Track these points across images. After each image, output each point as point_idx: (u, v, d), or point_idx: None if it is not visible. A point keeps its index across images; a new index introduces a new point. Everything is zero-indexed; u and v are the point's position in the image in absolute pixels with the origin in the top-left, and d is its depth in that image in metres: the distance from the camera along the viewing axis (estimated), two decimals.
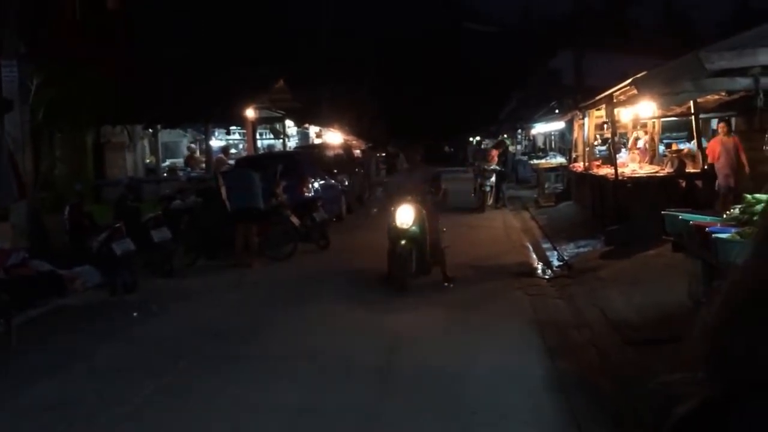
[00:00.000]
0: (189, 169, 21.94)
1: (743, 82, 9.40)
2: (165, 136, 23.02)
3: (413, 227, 9.80)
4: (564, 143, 25.90)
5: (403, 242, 9.79)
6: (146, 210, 12.76)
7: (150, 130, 21.06)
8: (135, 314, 9.21)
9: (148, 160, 22.67)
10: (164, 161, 23.20)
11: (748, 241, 0.68)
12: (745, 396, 0.58)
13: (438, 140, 68.58)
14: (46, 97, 13.23)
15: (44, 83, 13.04)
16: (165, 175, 20.95)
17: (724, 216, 6.85)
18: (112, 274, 10.42)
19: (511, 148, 38.59)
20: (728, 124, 13.33)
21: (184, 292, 10.74)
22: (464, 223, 17.72)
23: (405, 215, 9.83)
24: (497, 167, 21.39)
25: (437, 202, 10.36)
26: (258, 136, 25.04)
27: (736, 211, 6.65)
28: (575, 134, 19.44)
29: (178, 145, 25.89)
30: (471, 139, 47.93)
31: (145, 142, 22.49)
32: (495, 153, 21.89)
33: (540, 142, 35.12)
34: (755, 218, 6.01)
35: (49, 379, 6.74)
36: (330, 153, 23.29)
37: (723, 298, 0.65)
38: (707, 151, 12.64)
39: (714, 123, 16.40)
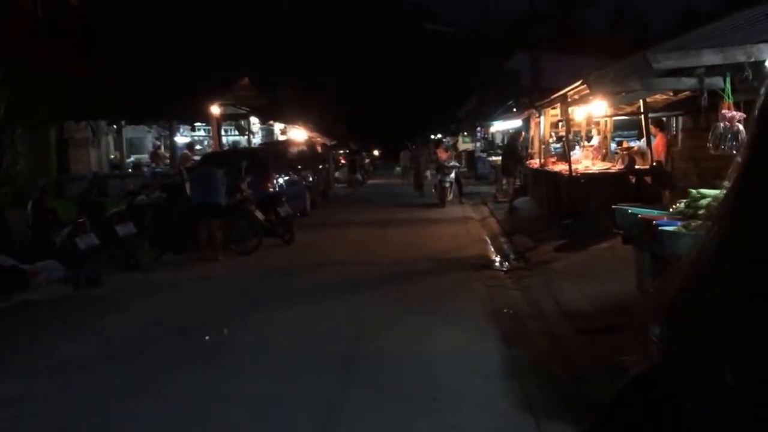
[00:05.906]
0: (154, 165, 21.89)
1: (688, 82, 9.71)
2: (129, 132, 22.96)
3: None
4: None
5: None
6: (111, 205, 12.80)
7: (114, 126, 21.03)
8: None
9: (112, 156, 22.61)
10: (129, 157, 23.17)
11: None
12: (700, 358, 0.58)
13: (400, 138, 68.88)
14: (6, 93, 13.18)
15: (4, 80, 12.99)
16: (130, 170, 20.95)
17: (671, 210, 7.02)
18: (75, 268, 10.41)
19: (470, 146, 39.10)
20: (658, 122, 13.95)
21: (148, 285, 10.73)
22: (425, 218, 18.10)
23: None
24: (456, 164, 21.81)
25: None
26: (223, 133, 24.98)
27: (682, 205, 6.79)
28: (532, 132, 19.78)
29: (143, 141, 25.71)
30: (432, 137, 48.36)
31: (110, 138, 22.43)
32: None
33: (498, 140, 35.58)
34: (700, 212, 6.16)
35: (12, 373, 6.75)
36: (294, 150, 23.45)
37: (688, 261, 0.63)
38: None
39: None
